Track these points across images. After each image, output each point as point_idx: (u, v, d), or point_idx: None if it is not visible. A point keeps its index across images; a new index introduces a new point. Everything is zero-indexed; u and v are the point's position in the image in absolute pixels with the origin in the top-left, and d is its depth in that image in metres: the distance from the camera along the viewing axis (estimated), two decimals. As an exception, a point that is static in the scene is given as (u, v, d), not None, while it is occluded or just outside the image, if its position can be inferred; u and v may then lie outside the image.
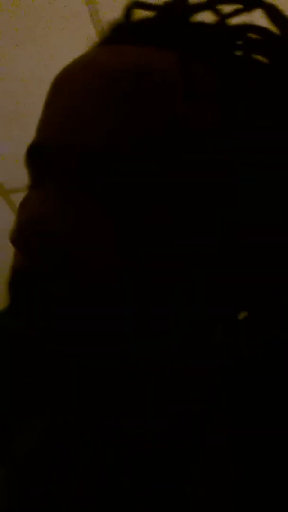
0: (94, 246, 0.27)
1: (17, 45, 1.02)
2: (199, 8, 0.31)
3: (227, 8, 0.31)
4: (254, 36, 0.31)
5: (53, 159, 0.29)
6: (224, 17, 0.31)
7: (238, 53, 0.30)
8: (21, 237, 0.27)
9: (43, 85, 1.16)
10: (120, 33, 0.33)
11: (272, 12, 0.31)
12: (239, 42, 0.30)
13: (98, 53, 0.31)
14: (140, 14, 0.34)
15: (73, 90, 0.29)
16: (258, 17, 0.31)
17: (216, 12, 0.31)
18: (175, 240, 0.28)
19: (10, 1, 0.94)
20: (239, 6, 0.31)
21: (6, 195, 1.44)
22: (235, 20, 0.31)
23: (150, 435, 0.31)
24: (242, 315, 0.32)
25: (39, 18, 0.97)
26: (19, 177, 1.34)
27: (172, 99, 0.28)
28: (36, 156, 0.30)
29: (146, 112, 0.27)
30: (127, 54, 0.29)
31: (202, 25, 0.31)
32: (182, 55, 0.29)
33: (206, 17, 0.31)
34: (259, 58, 0.30)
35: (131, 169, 0.27)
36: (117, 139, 0.27)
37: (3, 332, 0.40)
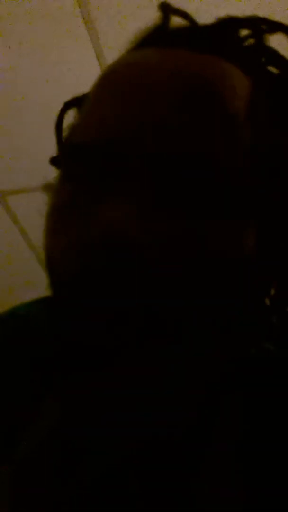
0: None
1: (9, 47, 1.02)
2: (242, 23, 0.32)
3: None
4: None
5: (129, 163, 0.27)
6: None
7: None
8: (99, 249, 0.25)
9: (37, 86, 1.16)
10: (164, 37, 0.33)
11: None
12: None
13: (162, 56, 0.30)
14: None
15: (142, 93, 0.28)
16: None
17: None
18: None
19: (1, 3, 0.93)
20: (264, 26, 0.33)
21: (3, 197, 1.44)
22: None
23: (157, 433, 0.31)
24: None
25: (31, 19, 0.97)
26: (13, 179, 1.34)
27: (238, 121, 0.28)
28: (101, 156, 0.28)
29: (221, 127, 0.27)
30: (196, 59, 0.29)
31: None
32: (257, 82, 0.30)
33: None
34: None
35: (221, 181, 0.27)
36: (204, 149, 0.27)
37: (8, 333, 0.40)
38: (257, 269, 0.29)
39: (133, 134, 0.27)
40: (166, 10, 0.35)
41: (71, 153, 0.30)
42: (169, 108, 0.27)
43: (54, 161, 0.37)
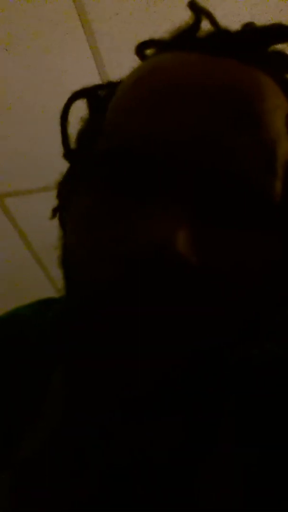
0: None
1: (6, 49, 1.02)
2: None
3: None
4: None
5: (177, 176, 0.26)
6: None
7: None
8: (148, 265, 0.25)
9: (34, 88, 1.16)
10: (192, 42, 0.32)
11: None
12: None
13: (207, 64, 0.29)
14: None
15: (187, 103, 0.27)
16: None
17: None
18: None
19: (-2, 6, 0.94)
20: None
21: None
22: None
23: (158, 435, 0.31)
24: None
25: (28, 22, 0.97)
26: (12, 181, 1.34)
27: (276, 133, 0.28)
28: (146, 165, 0.27)
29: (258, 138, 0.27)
30: (236, 70, 0.29)
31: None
32: None
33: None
34: None
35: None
36: (250, 168, 0.27)
37: (8, 334, 0.39)
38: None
39: (180, 145, 0.26)
40: (197, 11, 0.34)
41: (109, 158, 0.28)
42: (217, 122, 0.27)
43: (68, 155, 0.37)
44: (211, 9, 0.34)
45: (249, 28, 0.34)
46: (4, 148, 1.25)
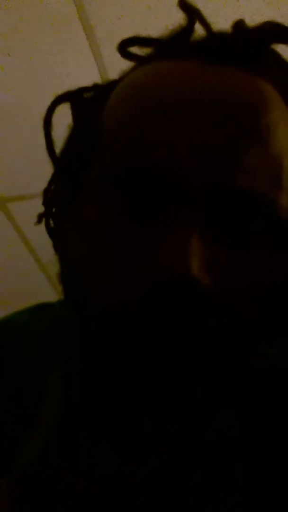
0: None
1: (9, 54, 1.03)
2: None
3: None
4: None
5: (191, 195, 0.26)
6: None
7: None
8: (165, 289, 0.25)
9: (36, 92, 1.16)
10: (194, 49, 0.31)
11: None
12: None
13: (207, 73, 0.29)
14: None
15: (193, 113, 0.27)
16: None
17: None
18: None
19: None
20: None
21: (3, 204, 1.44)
22: None
23: (154, 441, 0.31)
24: None
25: (29, 26, 0.97)
26: (14, 185, 1.34)
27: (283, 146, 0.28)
28: (159, 184, 0.26)
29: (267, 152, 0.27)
30: (241, 82, 0.28)
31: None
32: None
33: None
34: None
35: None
36: (262, 185, 0.26)
37: (2, 340, 0.39)
38: None
39: (190, 163, 0.26)
40: (191, 9, 0.32)
41: (114, 171, 0.28)
42: (225, 138, 0.26)
43: (60, 163, 0.36)
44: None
45: (241, 29, 0.33)
46: (6, 153, 1.26)
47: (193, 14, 0.32)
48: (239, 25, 0.33)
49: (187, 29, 0.32)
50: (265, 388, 0.32)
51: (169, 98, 0.28)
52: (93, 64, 1.04)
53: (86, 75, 1.03)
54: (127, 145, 0.28)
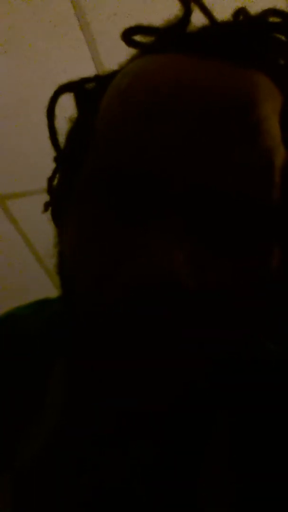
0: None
1: (5, 52, 1.02)
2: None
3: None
4: None
5: (173, 199, 0.25)
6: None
7: None
8: (148, 292, 0.25)
9: (34, 89, 1.15)
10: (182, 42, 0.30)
11: None
12: None
13: (197, 69, 0.28)
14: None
15: (180, 114, 0.26)
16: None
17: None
18: None
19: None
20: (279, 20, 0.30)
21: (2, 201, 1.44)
22: None
23: (156, 439, 0.31)
24: None
25: (26, 24, 0.97)
26: (13, 182, 1.34)
27: (272, 144, 0.27)
28: (142, 186, 0.26)
29: (256, 152, 0.26)
30: (232, 78, 0.27)
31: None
32: (285, 95, 0.28)
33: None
34: None
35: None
36: (248, 187, 0.26)
37: (4, 335, 0.39)
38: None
39: (174, 164, 0.26)
40: (186, 2, 0.31)
41: (102, 175, 0.28)
42: (211, 136, 0.26)
43: (57, 159, 0.36)
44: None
45: (241, 18, 0.32)
46: (5, 150, 1.25)
47: (188, 5, 0.31)
48: (239, 14, 0.32)
49: (183, 21, 0.31)
50: (264, 385, 0.32)
51: (153, 99, 0.27)
52: (89, 59, 1.03)
53: (83, 71, 1.03)
54: (112, 147, 0.28)
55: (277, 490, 0.28)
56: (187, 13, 0.31)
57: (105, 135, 0.29)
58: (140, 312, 0.25)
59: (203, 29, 0.31)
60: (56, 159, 0.36)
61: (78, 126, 0.35)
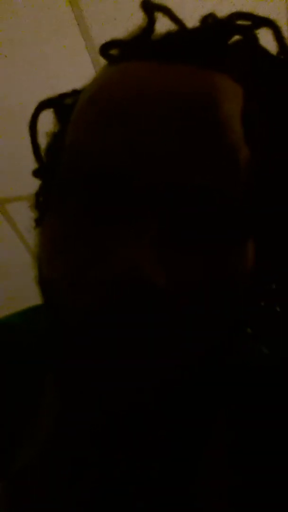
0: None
1: (6, 56, 1.03)
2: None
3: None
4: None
5: (137, 197, 0.26)
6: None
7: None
8: (117, 291, 0.25)
9: (33, 94, 1.16)
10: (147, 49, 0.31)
11: (278, 34, 0.31)
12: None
13: (158, 73, 0.28)
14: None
15: (140, 115, 0.27)
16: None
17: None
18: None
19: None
20: (248, 22, 0.31)
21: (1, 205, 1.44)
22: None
23: (154, 443, 0.31)
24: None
25: (26, 28, 0.98)
26: (13, 186, 1.34)
27: (236, 140, 0.27)
28: (107, 187, 0.27)
29: (217, 151, 0.27)
30: (191, 79, 0.28)
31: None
32: (247, 95, 0.28)
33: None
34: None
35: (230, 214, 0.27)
36: (212, 181, 0.26)
37: (4, 343, 0.39)
38: (258, 282, 0.30)
39: (138, 164, 0.26)
40: (150, 9, 0.32)
41: (71, 178, 0.29)
42: (174, 137, 0.26)
43: (37, 173, 0.37)
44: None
45: (207, 23, 0.33)
46: (4, 154, 1.26)
47: (152, 14, 0.32)
48: (207, 18, 0.33)
49: (147, 30, 0.32)
50: (259, 388, 0.32)
51: (114, 105, 0.28)
52: (90, 64, 1.04)
53: (83, 76, 1.03)
54: (78, 149, 0.28)
55: (275, 490, 0.29)
56: (151, 22, 0.32)
57: (72, 136, 0.30)
58: (111, 313, 0.25)
59: (166, 36, 0.32)
60: (35, 173, 0.37)
61: (55, 139, 0.36)
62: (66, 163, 0.29)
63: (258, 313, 0.32)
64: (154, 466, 0.31)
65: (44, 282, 0.30)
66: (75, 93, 0.37)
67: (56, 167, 0.31)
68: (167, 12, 0.33)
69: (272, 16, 0.31)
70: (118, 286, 0.25)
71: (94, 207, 0.27)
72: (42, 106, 0.37)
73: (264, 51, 0.31)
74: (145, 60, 0.30)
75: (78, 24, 0.96)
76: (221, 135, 0.27)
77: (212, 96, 0.27)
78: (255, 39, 0.31)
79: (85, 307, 0.26)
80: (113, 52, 0.33)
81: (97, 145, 0.27)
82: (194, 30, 0.33)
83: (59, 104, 0.37)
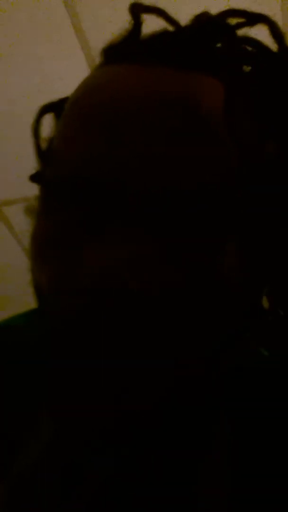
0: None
1: (1, 58, 1.03)
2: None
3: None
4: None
5: (116, 203, 0.26)
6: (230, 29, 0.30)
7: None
8: (93, 296, 0.25)
9: (29, 96, 1.16)
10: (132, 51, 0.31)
11: (274, 29, 0.30)
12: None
13: (138, 76, 0.28)
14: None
15: (119, 119, 0.27)
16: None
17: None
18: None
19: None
20: (242, 19, 0.31)
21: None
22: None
23: (155, 444, 0.31)
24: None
25: (21, 30, 0.98)
26: (9, 188, 1.34)
27: (219, 139, 0.27)
28: (87, 193, 0.27)
29: (200, 154, 0.26)
30: (172, 83, 0.28)
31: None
32: (228, 91, 0.28)
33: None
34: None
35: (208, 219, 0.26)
36: (194, 186, 0.26)
37: (4, 346, 0.39)
38: (243, 283, 0.29)
39: (119, 171, 0.26)
40: (137, 11, 0.33)
41: (55, 185, 0.29)
42: (153, 142, 0.26)
43: (35, 178, 0.37)
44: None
45: (197, 22, 0.32)
46: (1, 157, 1.26)
47: (138, 16, 0.33)
48: (200, 18, 0.33)
49: (132, 32, 0.33)
50: (259, 390, 0.32)
51: (95, 109, 0.28)
52: (86, 66, 1.04)
53: (79, 78, 1.03)
54: (59, 156, 0.29)
55: (275, 493, 0.29)
56: (136, 24, 0.32)
57: (56, 143, 0.30)
58: (88, 320, 0.26)
59: (150, 38, 0.32)
60: (32, 177, 0.37)
61: (52, 144, 0.36)
62: (50, 170, 0.30)
63: (258, 317, 0.32)
64: (154, 469, 0.31)
65: (34, 286, 0.31)
66: None
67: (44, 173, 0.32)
68: (161, 13, 0.33)
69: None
70: (94, 293, 0.25)
71: (77, 213, 0.28)
72: (44, 110, 0.38)
73: (264, 48, 0.31)
74: (128, 63, 0.30)
75: (73, 26, 0.97)
76: (204, 137, 0.27)
77: (193, 98, 0.27)
78: (236, 37, 0.30)
79: (65, 314, 0.27)
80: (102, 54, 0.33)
81: (77, 154, 0.27)
82: (181, 30, 0.32)
83: (60, 108, 0.37)
